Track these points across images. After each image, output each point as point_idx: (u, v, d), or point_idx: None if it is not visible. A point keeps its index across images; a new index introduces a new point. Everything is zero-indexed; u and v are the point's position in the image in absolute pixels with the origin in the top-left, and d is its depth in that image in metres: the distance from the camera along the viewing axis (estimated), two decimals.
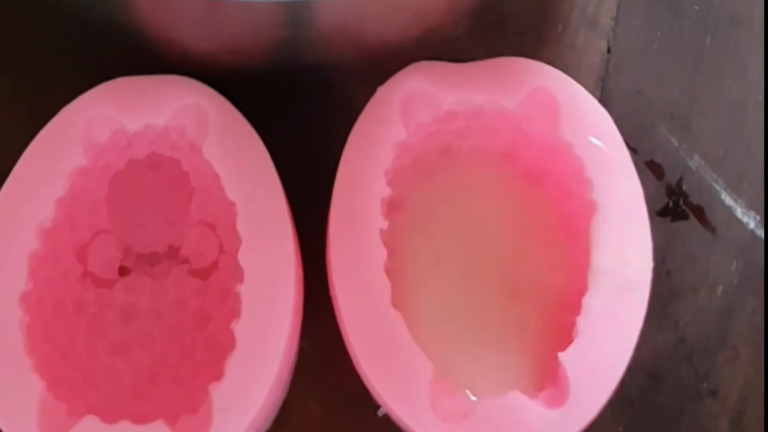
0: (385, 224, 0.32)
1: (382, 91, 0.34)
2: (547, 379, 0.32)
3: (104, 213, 0.35)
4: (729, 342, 0.36)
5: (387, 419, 0.34)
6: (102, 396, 0.33)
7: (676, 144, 0.38)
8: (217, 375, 0.30)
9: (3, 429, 0.30)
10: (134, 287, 0.35)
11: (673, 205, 0.37)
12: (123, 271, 0.36)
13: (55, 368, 0.32)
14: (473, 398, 0.31)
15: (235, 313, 0.31)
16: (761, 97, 0.38)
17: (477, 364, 0.33)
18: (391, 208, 0.34)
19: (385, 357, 0.31)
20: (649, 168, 0.38)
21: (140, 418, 0.30)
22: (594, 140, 0.33)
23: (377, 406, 0.34)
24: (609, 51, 0.39)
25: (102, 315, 0.35)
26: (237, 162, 0.32)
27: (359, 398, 0.35)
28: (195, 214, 0.36)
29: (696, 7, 0.39)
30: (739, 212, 0.37)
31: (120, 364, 0.34)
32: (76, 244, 0.34)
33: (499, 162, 0.36)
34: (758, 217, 0.37)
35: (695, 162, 0.38)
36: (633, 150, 0.33)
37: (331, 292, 0.32)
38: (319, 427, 0.35)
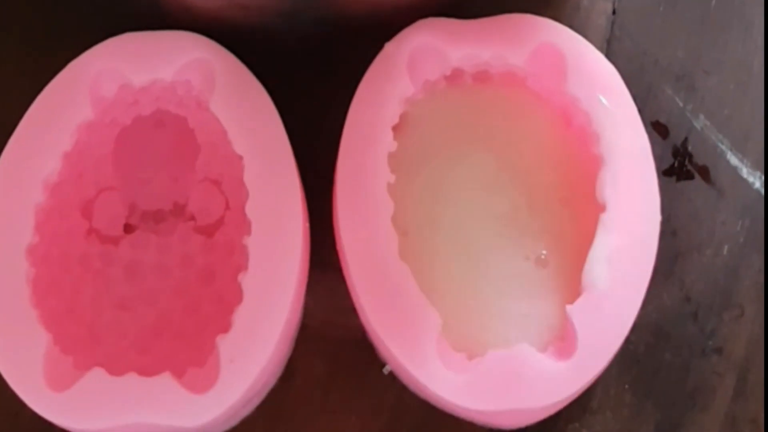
0: (392, 178, 0.32)
1: (389, 47, 0.34)
2: (556, 333, 0.32)
3: (110, 170, 0.35)
4: (734, 300, 0.36)
5: (392, 377, 0.34)
6: (108, 350, 0.33)
7: (681, 104, 0.38)
8: (224, 329, 0.30)
9: (9, 382, 0.30)
10: (139, 244, 0.35)
11: (678, 166, 0.37)
12: (128, 229, 0.35)
13: (60, 322, 0.32)
14: (482, 350, 0.31)
15: (241, 268, 0.31)
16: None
17: (487, 315, 0.33)
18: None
19: (393, 309, 0.31)
20: (655, 128, 0.38)
21: (146, 372, 0.30)
22: (601, 98, 0.33)
23: (383, 364, 0.34)
24: (614, 12, 0.39)
25: (107, 270, 0.34)
26: (244, 116, 0.32)
27: (364, 356, 0.35)
28: (201, 171, 0.35)
29: None
30: (745, 172, 0.37)
31: (125, 319, 0.34)
32: (81, 199, 0.34)
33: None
34: (763, 177, 0.37)
35: (700, 122, 0.38)
36: (638, 110, 0.33)
37: (338, 246, 0.32)
38: (323, 384, 0.35)
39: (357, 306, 0.32)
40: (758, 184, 0.37)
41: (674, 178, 0.37)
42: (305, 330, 0.35)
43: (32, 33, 0.38)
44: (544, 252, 0.34)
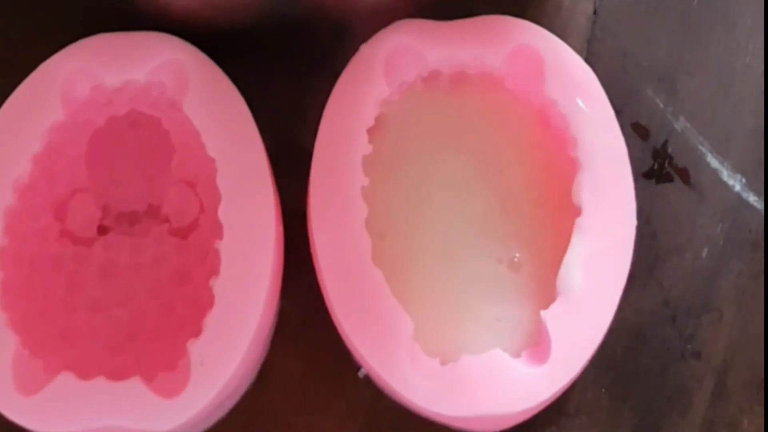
0: (366, 181, 0.32)
1: (365, 49, 0.33)
2: (530, 337, 0.32)
3: (83, 171, 0.35)
4: (713, 304, 0.36)
5: (368, 380, 0.34)
6: (80, 352, 0.33)
7: (662, 106, 0.38)
8: (197, 332, 0.30)
9: None
10: (113, 246, 0.35)
11: (658, 168, 0.37)
12: (102, 231, 0.35)
13: (31, 324, 0.32)
14: (455, 355, 0.31)
15: (215, 271, 0.31)
16: (748, 59, 0.38)
17: (460, 319, 0.33)
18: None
19: (365, 315, 0.31)
20: (635, 130, 0.37)
21: (119, 375, 0.30)
22: (579, 102, 0.33)
23: (358, 367, 0.34)
24: (595, 13, 0.39)
25: (80, 272, 0.34)
26: (217, 118, 0.32)
27: (340, 358, 0.34)
28: (175, 172, 0.35)
29: None
30: (725, 174, 0.37)
31: (98, 321, 0.34)
32: (54, 201, 0.34)
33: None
34: (744, 180, 0.37)
35: (681, 124, 0.37)
36: (618, 112, 0.33)
37: (312, 250, 0.32)
38: (299, 386, 0.35)
39: (330, 310, 0.32)
40: (738, 186, 0.37)
41: (654, 180, 0.37)
42: (281, 332, 0.35)
43: (4, 33, 0.37)
44: (517, 255, 0.34)
